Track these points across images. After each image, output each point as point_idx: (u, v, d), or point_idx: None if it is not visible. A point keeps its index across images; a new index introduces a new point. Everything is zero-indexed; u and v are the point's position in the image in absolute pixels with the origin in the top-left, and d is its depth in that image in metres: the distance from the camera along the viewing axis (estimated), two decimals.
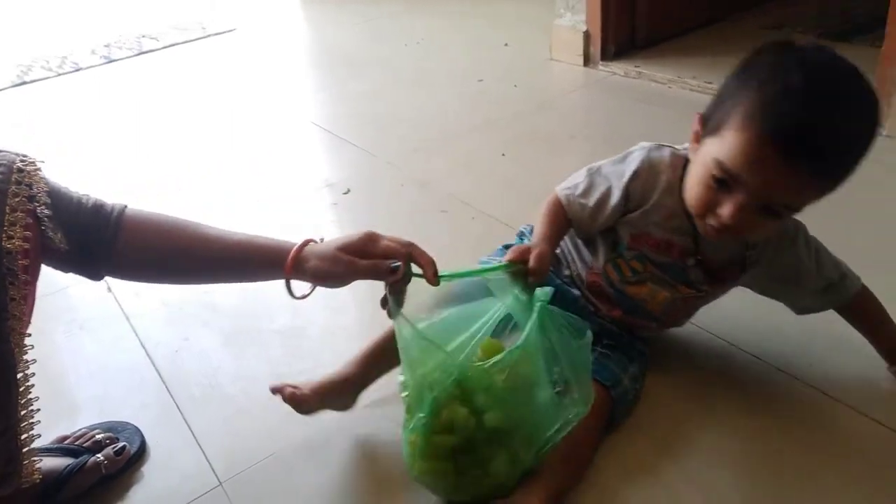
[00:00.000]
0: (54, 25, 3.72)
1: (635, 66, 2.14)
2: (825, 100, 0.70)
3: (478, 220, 1.50)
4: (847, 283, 0.95)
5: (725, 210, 0.78)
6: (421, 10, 3.23)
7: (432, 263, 0.81)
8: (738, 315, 1.11)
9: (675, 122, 1.81)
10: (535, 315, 0.78)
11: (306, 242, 0.85)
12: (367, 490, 0.90)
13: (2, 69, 2.90)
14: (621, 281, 0.96)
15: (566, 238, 1.01)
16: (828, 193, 0.77)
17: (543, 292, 0.79)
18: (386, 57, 2.66)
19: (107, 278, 0.87)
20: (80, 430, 1.00)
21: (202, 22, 3.37)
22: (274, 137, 2.07)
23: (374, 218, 1.56)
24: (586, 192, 0.93)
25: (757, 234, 0.86)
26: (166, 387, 1.11)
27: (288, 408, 1.03)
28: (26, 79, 2.77)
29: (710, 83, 1.96)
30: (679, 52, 2.22)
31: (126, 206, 0.84)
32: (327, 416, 1.02)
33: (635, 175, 0.89)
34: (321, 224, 1.55)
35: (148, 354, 1.18)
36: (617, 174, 0.91)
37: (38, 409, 0.78)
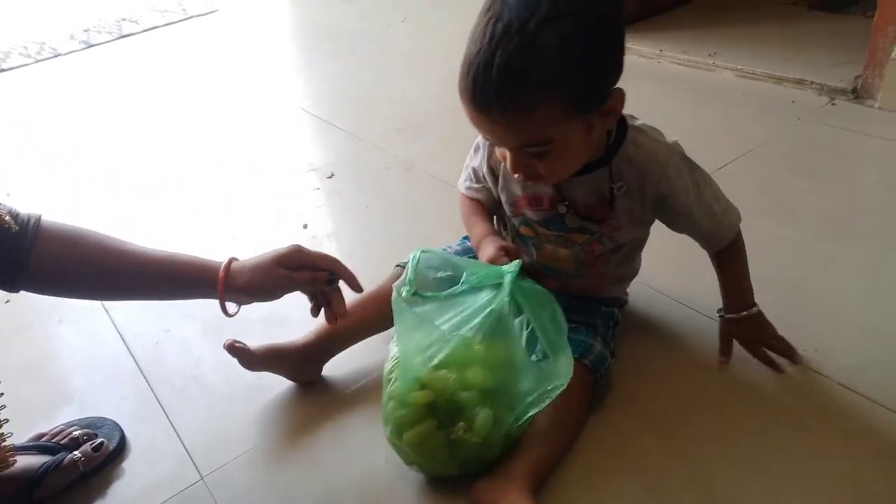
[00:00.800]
0: (31, 10, 3.63)
1: None
2: (484, 47, 0.71)
3: None
4: (731, 214, 0.93)
5: (508, 165, 0.80)
6: None
7: (353, 276, 0.92)
8: (704, 284, 1.07)
9: (663, 97, 1.78)
10: (506, 284, 0.79)
11: (231, 261, 0.87)
12: (351, 480, 0.88)
13: None
14: (528, 252, 0.98)
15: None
16: (558, 115, 0.73)
17: (513, 265, 0.81)
18: (371, 36, 2.61)
19: None
20: (57, 426, 0.98)
21: (183, 3, 3.30)
22: (257, 121, 2.03)
23: (358, 202, 1.53)
24: (476, 175, 0.98)
25: (553, 173, 0.81)
26: (146, 379, 1.09)
27: (270, 397, 1.03)
28: (4, 66, 2.71)
29: (698, 57, 1.93)
30: (667, 26, 2.17)
31: (41, 216, 0.82)
32: (308, 406, 1.00)
33: (491, 148, 0.92)
34: (304, 210, 1.52)
35: (127, 347, 1.16)
36: (483, 144, 0.96)
37: (2, 394, 0.76)
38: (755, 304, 0.97)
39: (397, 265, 1.10)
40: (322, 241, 1.40)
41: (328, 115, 1.98)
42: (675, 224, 0.93)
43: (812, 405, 0.91)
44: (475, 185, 0.99)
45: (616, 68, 0.77)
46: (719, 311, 0.99)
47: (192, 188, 1.67)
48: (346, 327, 1.03)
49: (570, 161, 0.81)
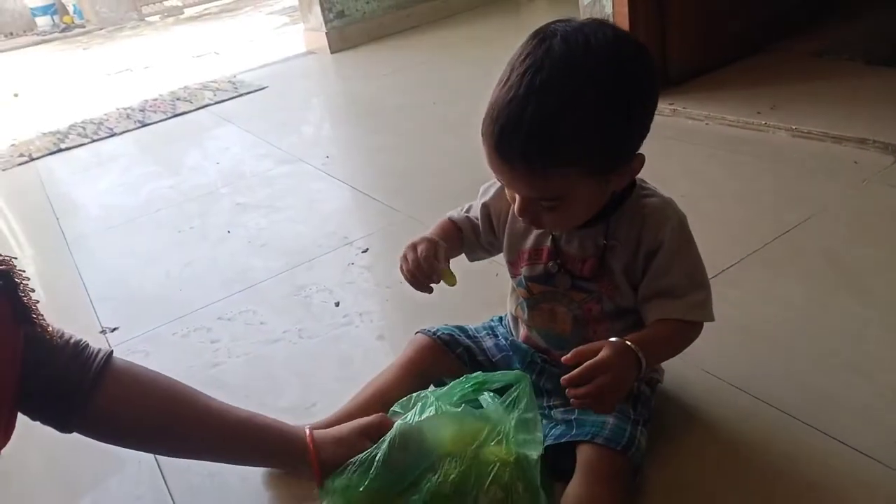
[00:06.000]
0: (91, 94, 3.82)
1: (669, 104, 2.03)
2: (519, 96, 0.70)
3: (502, 276, 1.39)
4: (708, 300, 0.84)
5: (515, 208, 0.79)
6: (450, 59, 3.20)
7: None
8: (768, 370, 1.01)
9: (712, 160, 1.69)
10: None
11: (312, 430, 0.85)
12: None
13: (40, 137, 2.98)
14: (529, 318, 0.94)
15: (508, 310, 1.02)
16: (580, 175, 0.73)
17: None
18: (412, 108, 2.61)
19: None
20: None
21: (234, 81, 3.41)
22: (295, 193, 2.02)
23: (392, 277, 1.47)
24: (469, 213, 1.00)
25: (558, 224, 0.83)
26: (163, 476, 1.02)
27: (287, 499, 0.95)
28: (62, 146, 2.82)
29: (749, 117, 1.84)
30: (715, 86, 2.10)
31: (112, 352, 0.76)
32: None
33: (497, 193, 0.93)
34: (337, 286, 1.47)
35: None
36: (483, 190, 0.97)
37: None
38: (643, 366, 0.77)
39: (418, 332, 1.06)
40: (353, 319, 1.35)
41: (366, 187, 1.96)
42: (650, 279, 0.84)
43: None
44: (464, 214, 0.99)
45: (645, 134, 0.78)
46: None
47: (222, 260, 1.66)
48: (374, 403, 0.98)
49: (577, 215, 0.81)
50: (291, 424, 0.84)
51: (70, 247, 1.90)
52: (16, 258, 0.73)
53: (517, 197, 0.78)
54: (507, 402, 0.83)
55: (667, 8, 2.06)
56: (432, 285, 0.89)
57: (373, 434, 0.83)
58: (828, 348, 1.04)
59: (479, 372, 0.90)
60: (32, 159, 2.73)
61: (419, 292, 0.90)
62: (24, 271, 0.74)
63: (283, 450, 0.81)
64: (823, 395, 0.96)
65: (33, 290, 0.74)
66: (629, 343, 0.77)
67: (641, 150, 0.79)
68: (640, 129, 0.77)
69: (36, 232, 2.13)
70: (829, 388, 0.97)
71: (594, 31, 0.72)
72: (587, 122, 0.70)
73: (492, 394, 0.86)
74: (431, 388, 1.00)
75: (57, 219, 2.12)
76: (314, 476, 0.83)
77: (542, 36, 0.73)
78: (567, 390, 0.75)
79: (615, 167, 0.76)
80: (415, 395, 0.91)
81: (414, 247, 0.90)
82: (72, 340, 0.75)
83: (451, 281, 0.90)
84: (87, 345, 0.75)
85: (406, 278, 0.90)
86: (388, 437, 0.81)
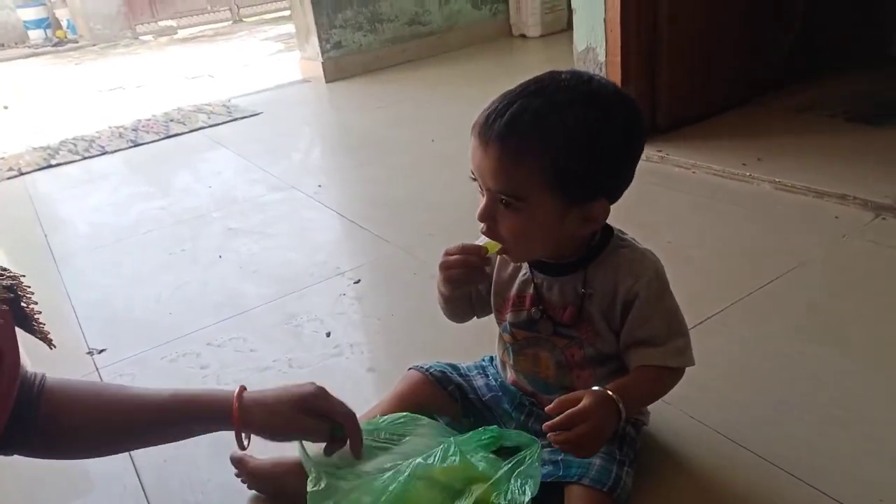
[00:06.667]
0: (83, 110, 3.83)
1: (657, 150, 2.08)
2: (514, 95, 0.79)
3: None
4: (688, 348, 0.88)
5: (478, 212, 0.83)
6: (444, 95, 3.26)
7: (361, 440, 0.89)
8: (750, 417, 1.01)
9: (697, 208, 1.74)
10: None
11: (241, 392, 0.86)
12: None
13: (30, 152, 2.98)
14: (514, 363, 0.97)
15: (497, 354, 1.04)
16: (542, 178, 0.78)
17: None
18: (405, 141, 2.65)
19: None
20: None
21: (228, 105, 3.44)
22: (286, 222, 2.03)
23: (383, 309, 1.49)
24: None
25: (513, 237, 0.83)
26: (147, 499, 1.02)
27: None
28: (52, 162, 2.82)
29: (734, 167, 1.89)
30: (703, 136, 2.16)
31: (45, 375, 0.81)
32: None
33: None
34: (328, 316, 1.48)
35: (134, 464, 1.10)
36: None
37: None
38: (623, 415, 0.81)
39: (410, 368, 1.07)
40: (344, 350, 1.36)
41: (358, 218, 1.98)
42: (629, 328, 0.88)
43: None
44: None
45: (612, 184, 0.83)
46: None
47: (212, 285, 1.66)
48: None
49: (531, 236, 0.83)
50: (221, 391, 0.88)
51: (58, 264, 1.89)
52: (24, 276, 0.75)
53: (482, 201, 0.82)
54: (515, 461, 0.85)
55: (658, 57, 2.13)
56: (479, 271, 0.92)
57: (310, 408, 0.87)
58: (808, 399, 1.07)
59: (495, 426, 0.93)
60: (22, 174, 2.73)
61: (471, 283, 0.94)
62: (29, 286, 0.77)
63: (216, 416, 0.85)
64: (804, 445, 0.98)
65: (36, 303, 0.77)
66: (610, 392, 0.81)
67: (621, 203, 0.85)
68: (611, 169, 0.82)
69: (24, 248, 2.12)
70: (809, 438, 0.99)
71: (600, 78, 0.82)
72: (566, 130, 0.77)
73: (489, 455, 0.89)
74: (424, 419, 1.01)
75: (45, 235, 2.11)
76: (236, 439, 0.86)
77: (553, 69, 0.83)
78: (549, 435, 0.79)
79: (574, 190, 0.80)
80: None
81: (446, 252, 0.91)
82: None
83: (496, 246, 0.91)
84: (25, 370, 0.79)
85: (457, 276, 0.89)
86: (405, 472, 0.83)
